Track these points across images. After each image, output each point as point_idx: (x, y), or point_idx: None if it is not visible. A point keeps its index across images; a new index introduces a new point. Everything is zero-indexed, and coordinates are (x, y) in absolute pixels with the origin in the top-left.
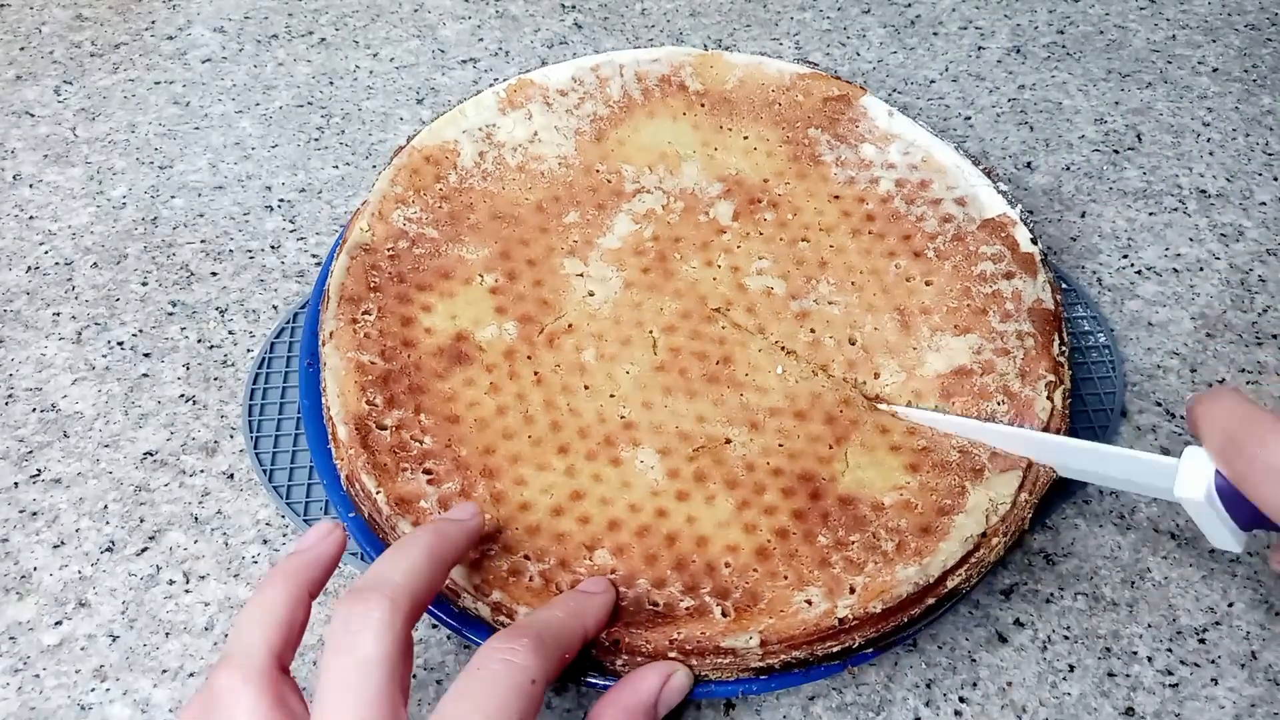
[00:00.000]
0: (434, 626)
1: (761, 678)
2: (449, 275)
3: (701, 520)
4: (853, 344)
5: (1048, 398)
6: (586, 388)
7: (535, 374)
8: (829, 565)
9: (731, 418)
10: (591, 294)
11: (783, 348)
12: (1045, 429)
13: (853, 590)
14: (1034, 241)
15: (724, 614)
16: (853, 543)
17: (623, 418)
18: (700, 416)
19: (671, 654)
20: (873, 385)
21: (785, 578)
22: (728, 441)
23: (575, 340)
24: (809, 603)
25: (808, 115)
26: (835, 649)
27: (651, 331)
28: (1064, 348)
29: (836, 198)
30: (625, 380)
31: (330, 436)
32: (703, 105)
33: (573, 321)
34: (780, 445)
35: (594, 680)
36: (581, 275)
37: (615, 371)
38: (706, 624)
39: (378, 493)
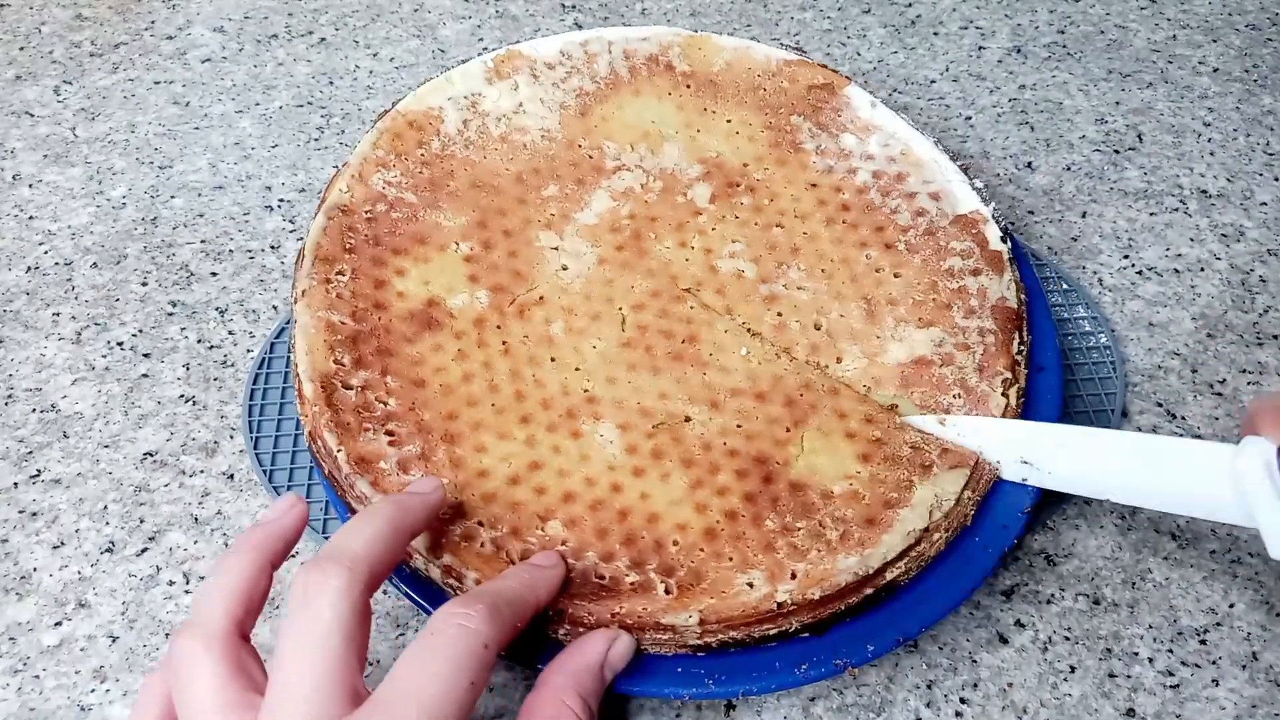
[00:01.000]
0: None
1: (759, 678)
2: (425, 241)
3: (655, 497)
4: (818, 329)
5: (1003, 394)
6: (553, 360)
7: (503, 343)
8: (773, 550)
9: (693, 396)
10: (565, 268)
11: (749, 329)
12: None
13: (794, 576)
14: (1004, 239)
15: (667, 591)
16: (799, 529)
17: (586, 391)
18: (662, 393)
19: (612, 627)
20: (835, 369)
21: (730, 559)
22: (687, 419)
23: (545, 313)
24: (750, 585)
25: (792, 102)
26: (772, 631)
27: (621, 308)
28: (1023, 346)
29: (814, 185)
30: (591, 355)
31: (296, 393)
32: (688, 86)
33: (544, 294)
34: (738, 426)
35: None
36: (556, 249)
37: (582, 345)
38: (649, 600)
39: (338, 451)
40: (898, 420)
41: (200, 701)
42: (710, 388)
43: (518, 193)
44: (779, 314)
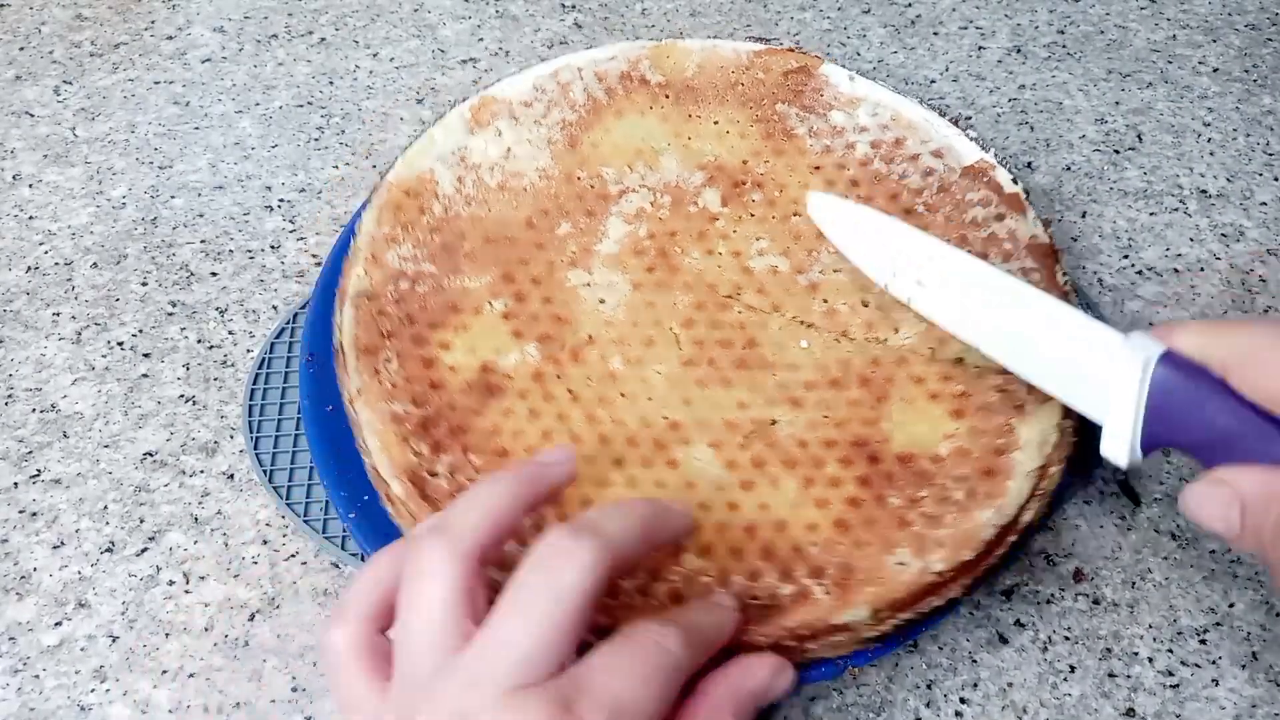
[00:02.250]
0: None
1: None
2: (458, 308)
3: (774, 505)
4: (866, 306)
5: None
6: (623, 395)
7: (569, 391)
8: (909, 524)
9: (771, 398)
10: (603, 301)
11: (802, 321)
12: None
13: (940, 544)
14: (1015, 181)
15: (826, 593)
16: (924, 498)
17: (666, 419)
18: (740, 403)
19: (789, 642)
20: (894, 340)
21: (871, 544)
22: (774, 423)
23: (599, 351)
24: (902, 564)
25: (772, 91)
26: (939, 603)
27: (671, 328)
28: (1066, 277)
29: (817, 168)
30: (658, 381)
31: (383, 497)
32: (667, 96)
33: (591, 333)
34: (825, 416)
35: None
36: (588, 285)
37: (647, 374)
38: (813, 607)
39: None
40: (974, 368)
41: (427, 611)
42: (784, 386)
43: (533, 238)
44: (824, 300)
